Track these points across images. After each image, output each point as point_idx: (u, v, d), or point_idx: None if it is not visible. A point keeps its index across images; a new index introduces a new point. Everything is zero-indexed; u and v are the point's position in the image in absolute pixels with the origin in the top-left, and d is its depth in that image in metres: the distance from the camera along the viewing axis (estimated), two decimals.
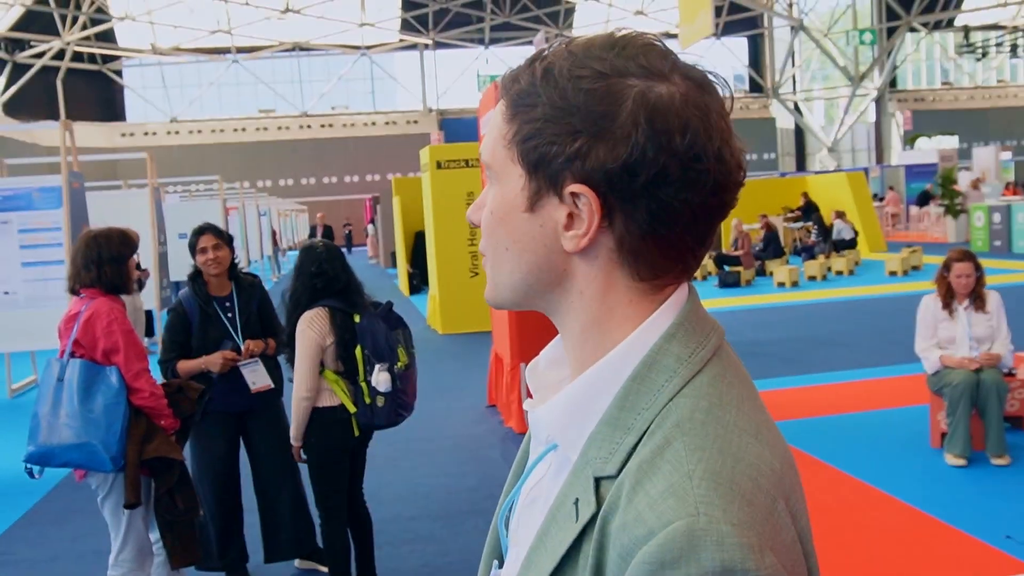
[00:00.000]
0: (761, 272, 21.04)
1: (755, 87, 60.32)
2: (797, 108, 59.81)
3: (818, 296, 17.06)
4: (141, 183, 15.37)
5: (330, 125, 55.06)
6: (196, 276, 5.04)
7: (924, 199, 33.10)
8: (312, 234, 31.99)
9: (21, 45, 47.40)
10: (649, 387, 0.96)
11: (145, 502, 4.27)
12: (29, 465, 4.12)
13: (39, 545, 6.20)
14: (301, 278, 4.59)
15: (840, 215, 23.59)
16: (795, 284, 19.02)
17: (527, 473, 1.10)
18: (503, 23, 55.22)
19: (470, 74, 55.06)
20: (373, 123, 55.36)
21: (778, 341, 12.27)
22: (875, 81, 56.98)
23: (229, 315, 5.04)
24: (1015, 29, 52.40)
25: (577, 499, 0.94)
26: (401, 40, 55.47)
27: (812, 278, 19.82)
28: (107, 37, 51.53)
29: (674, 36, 44.21)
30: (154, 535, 4.44)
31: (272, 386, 5.09)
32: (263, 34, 53.55)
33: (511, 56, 55.49)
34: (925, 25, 56.31)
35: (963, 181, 29.25)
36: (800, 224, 25.68)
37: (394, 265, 26.85)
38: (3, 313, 9.63)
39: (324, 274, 4.54)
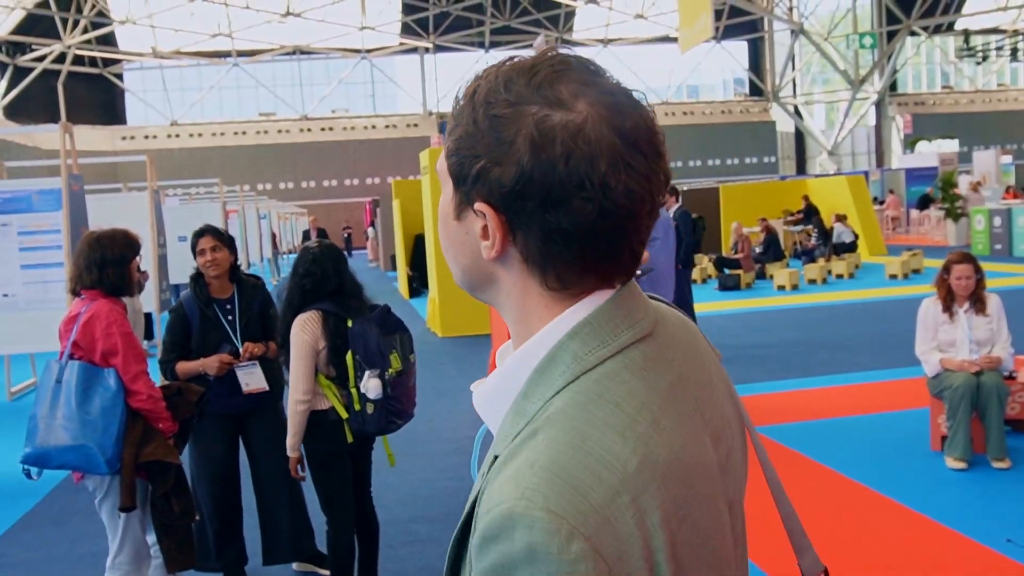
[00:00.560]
0: (761, 275, 21.01)
1: (755, 91, 60.35)
2: (797, 112, 59.85)
3: (818, 299, 17.04)
4: (141, 186, 15.35)
5: (330, 128, 55.11)
6: (198, 278, 5.03)
7: (924, 202, 33.08)
8: (306, 238, 31.93)
9: (22, 48, 47.46)
10: (546, 379, 1.04)
11: (142, 505, 4.25)
12: (26, 467, 4.10)
13: (37, 547, 6.18)
14: (293, 279, 4.57)
15: (840, 218, 23.57)
16: (795, 287, 19.00)
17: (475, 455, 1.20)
18: (503, 27, 55.25)
19: (470, 78, 54.95)
20: (373, 126, 55.41)
21: (778, 344, 12.26)
22: (875, 85, 57.02)
23: (229, 317, 5.02)
24: (1015, 33, 52.46)
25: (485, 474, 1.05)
26: (401, 44, 55.53)
27: (812, 281, 19.79)
28: (108, 40, 51.59)
29: (674, 40, 44.28)
30: (151, 538, 4.42)
31: (266, 388, 5.06)
32: (264, 37, 53.67)
33: None
34: (925, 29, 56.38)
35: (963, 184, 29.25)
36: (800, 227, 25.68)
37: (394, 268, 26.84)
38: (2, 315, 9.61)
39: (312, 275, 4.48)
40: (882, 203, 35.45)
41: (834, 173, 44.85)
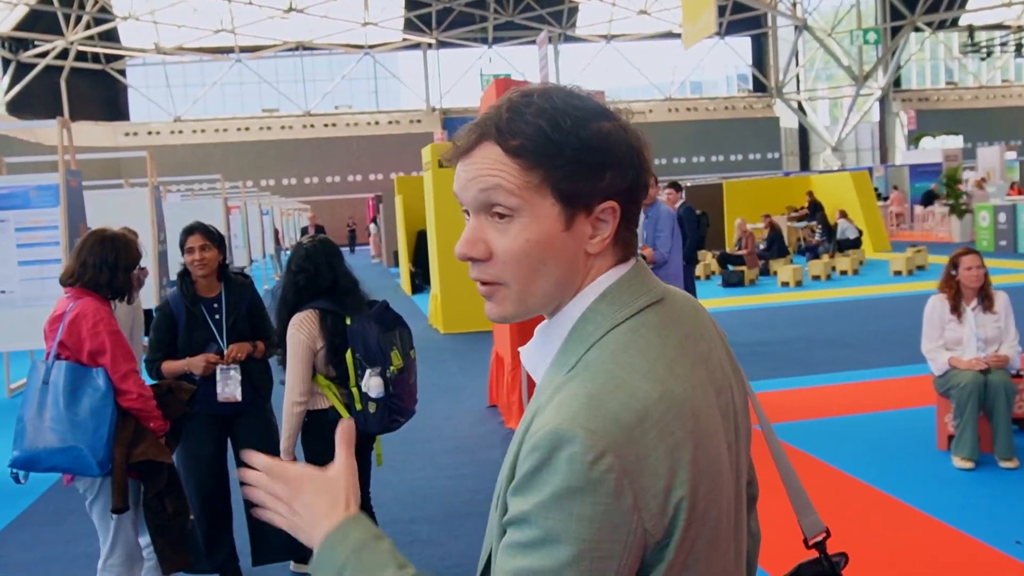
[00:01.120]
0: (765, 272, 20.93)
1: (759, 87, 60.25)
2: (801, 108, 59.72)
3: (822, 296, 16.96)
4: (143, 182, 15.29)
5: (333, 124, 55.07)
6: (184, 275, 4.95)
7: (928, 199, 32.97)
8: (304, 235, 31.85)
9: (25, 44, 47.50)
10: (581, 335, 1.28)
11: (134, 506, 4.17)
12: (15, 470, 4.02)
13: (32, 548, 6.11)
14: (287, 275, 4.48)
15: (844, 214, 23.49)
16: (799, 284, 18.91)
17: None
18: (506, 22, 55.23)
19: (473, 73, 55.11)
20: (376, 122, 55.38)
21: (782, 341, 12.18)
22: (879, 81, 56.92)
23: (216, 317, 4.94)
24: (1020, 29, 52.35)
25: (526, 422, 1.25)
26: (404, 39, 55.53)
27: (816, 278, 19.73)
28: (111, 36, 51.64)
29: (677, 36, 44.18)
30: (144, 539, 4.34)
31: (239, 399, 4.94)
32: (267, 33, 53.70)
33: (514, 56, 55.58)
34: (929, 24, 56.24)
35: (967, 180, 29.14)
36: (804, 223, 25.60)
37: (397, 264, 26.78)
38: (0, 312, 9.54)
39: (305, 271, 4.40)
40: (886, 199, 35.34)
41: (838, 169, 44.74)
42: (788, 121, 60.42)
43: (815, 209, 24.82)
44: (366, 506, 4.77)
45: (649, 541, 1.15)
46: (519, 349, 1.41)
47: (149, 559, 4.39)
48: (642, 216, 7.94)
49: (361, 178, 53.70)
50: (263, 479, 1.51)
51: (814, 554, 1.66)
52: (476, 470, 7.25)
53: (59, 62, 49.00)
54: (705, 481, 1.19)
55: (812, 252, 22.64)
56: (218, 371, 4.87)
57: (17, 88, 46.44)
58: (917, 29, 56.37)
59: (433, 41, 55.34)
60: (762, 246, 21.65)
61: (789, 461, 1.59)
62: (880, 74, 56.64)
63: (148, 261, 11.81)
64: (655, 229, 8.15)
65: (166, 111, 54.25)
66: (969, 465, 6.43)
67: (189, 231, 4.94)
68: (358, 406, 4.31)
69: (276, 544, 5.15)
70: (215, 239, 4.95)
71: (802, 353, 11.24)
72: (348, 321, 4.32)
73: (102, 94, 53.29)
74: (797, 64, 59.56)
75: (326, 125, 54.94)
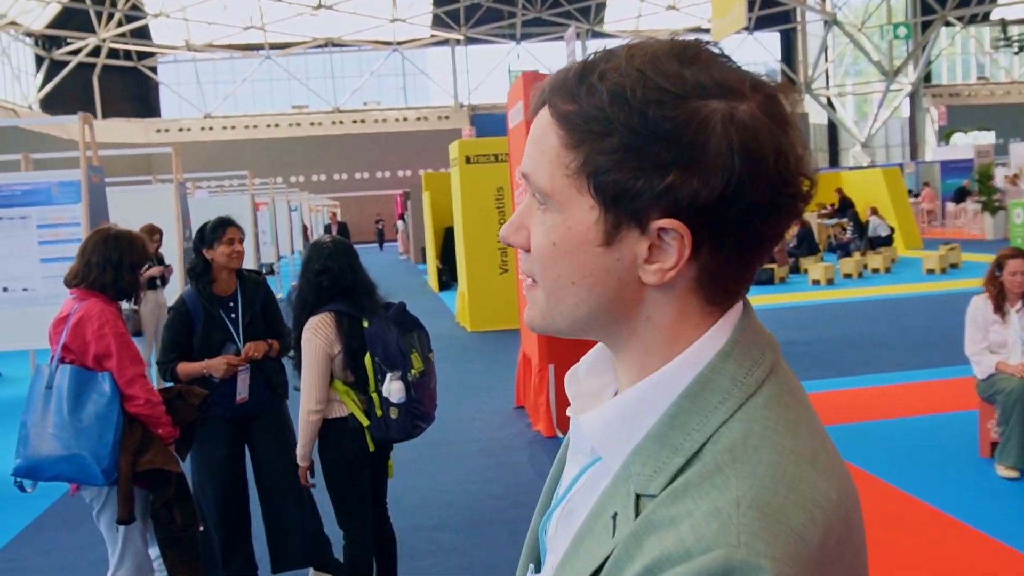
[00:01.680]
0: (795, 269, 20.71)
1: (788, 82, 59.78)
2: (830, 103, 59.21)
3: (854, 295, 16.72)
4: (171, 178, 15.25)
5: (362, 121, 55.20)
6: (202, 273, 4.79)
7: (960, 195, 32.55)
8: (327, 233, 31.80)
9: (58, 42, 47.95)
10: (701, 407, 0.91)
11: (142, 517, 4.02)
12: (18, 479, 3.88)
13: (48, 552, 6.00)
14: (306, 276, 4.30)
15: (875, 211, 23.20)
16: (830, 282, 18.65)
17: (570, 485, 1.04)
18: (534, 18, 55.15)
19: (501, 69, 55.15)
20: (404, 119, 55.48)
21: (813, 341, 11.94)
22: (909, 76, 56.33)
23: (232, 315, 4.80)
24: None
25: (616, 513, 0.91)
26: (432, 36, 55.60)
27: (848, 276, 19.48)
28: (142, 34, 52.07)
29: (706, 30, 43.86)
30: (154, 551, 4.19)
31: (247, 398, 4.82)
32: (296, 30, 54.01)
33: (542, 52, 55.46)
34: (960, 19, 55.55)
35: (999, 177, 28.76)
36: (835, 220, 25.31)
37: (424, 261, 26.71)
38: (23, 310, 9.44)
39: (329, 271, 4.23)
40: (917, 196, 34.92)
41: (868, 165, 44.31)
42: (817, 117, 59.92)
43: (845, 206, 24.52)
44: (382, 518, 4.61)
45: None
46: (569, 413, 1.08)
47: (159, 571, 4.24)
48: None
49: (390, 174, 53.74)
50: None
51: None
52: (501, 475, 7.09)
53: (91, 59, 49.40)
54: None
55: (843, 249, 22.36)
56: (239, 374, 4.74)
57: (51, 85, 46.83)
58: (948, 23, 55.70)
59: (461, 37, 55.35)
60: (792, 243, 21.41)
61: None
62: (910, 69, 56.06)
63: (173, 258, 11.74)
64: None
65: (196, 108, 54.57)
66: (1015, 474, 6.19)
67: (227, 223, 4.80)
68: (379, 412, 4.15)
69: (295, 550, 5.00)
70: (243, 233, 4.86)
71: (834, 354, 11.00)
72: (365, 324, 4.16)
73: (134, 91, 53.67)
74: (826, 59, 59.04)
75: (355, 121, 55.06)
